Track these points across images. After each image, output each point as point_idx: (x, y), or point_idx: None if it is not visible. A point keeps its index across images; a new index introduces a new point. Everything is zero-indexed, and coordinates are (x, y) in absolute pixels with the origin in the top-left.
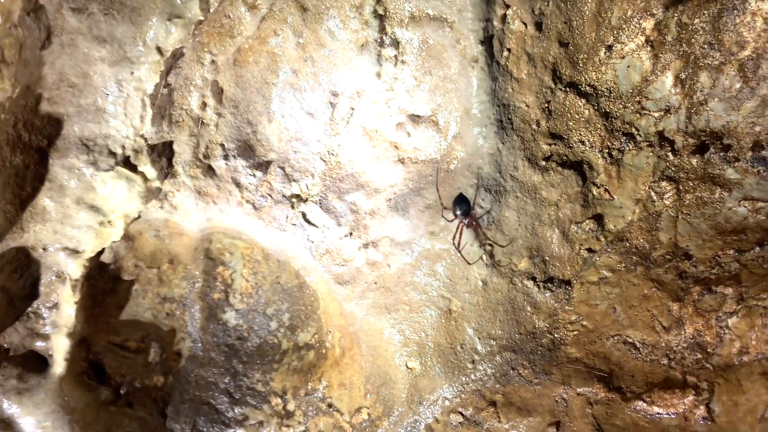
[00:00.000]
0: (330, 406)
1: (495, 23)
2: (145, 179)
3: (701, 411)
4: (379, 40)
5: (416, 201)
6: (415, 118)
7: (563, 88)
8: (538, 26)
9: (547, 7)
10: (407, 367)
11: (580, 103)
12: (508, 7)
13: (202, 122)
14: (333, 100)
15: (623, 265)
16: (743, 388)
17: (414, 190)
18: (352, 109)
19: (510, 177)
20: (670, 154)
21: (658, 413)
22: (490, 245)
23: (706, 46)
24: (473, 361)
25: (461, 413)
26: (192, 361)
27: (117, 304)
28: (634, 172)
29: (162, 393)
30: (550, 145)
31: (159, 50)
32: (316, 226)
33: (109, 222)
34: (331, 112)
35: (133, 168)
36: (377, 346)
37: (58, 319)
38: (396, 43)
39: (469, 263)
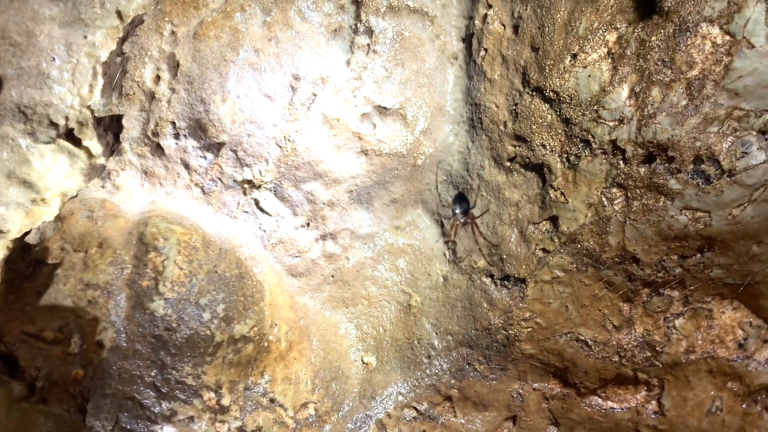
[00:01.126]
0: (272, 401)
1: (476, 22)
2: (90, 155)
3: (653, 406)
4: (353, 27)
5: (381, 194)
6: (381, 110)
7: (530, 92)
8: (515, 29)
9: (525, 11)
10: (363, 362)
11: (543, 108)
12: (490, 7)
13: (154, 97)
14: (294, 84)
15: (575, 265)
16: (691, 385)
17: (379, 183)
18: (314, 95)
19: (477, 176)
20: (621, 162)
21: (612, 408)
22: (453, 242)
23: (659, 63)
24: (429, 356)
25: (415, 408)
26: (115, 353)
27: (35, 291)
28: (588, 178)
29: (81, 387)
30: (514, 146)
31: (119, 14)
32: (270, 215)
33: (42, 200)
34: (291, 96)
35: (76, 142)
36: (330, 341)
37: None
38: (369, 32)
39: (458, 262)
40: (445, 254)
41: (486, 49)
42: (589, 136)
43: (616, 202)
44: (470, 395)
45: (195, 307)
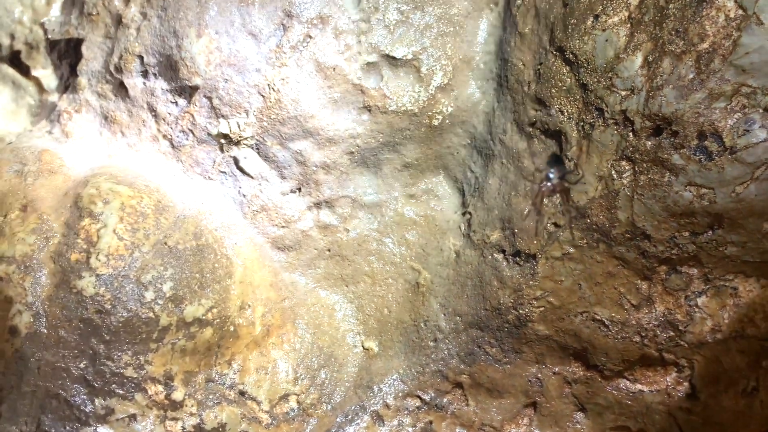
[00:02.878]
0: (242, 393)
1: None
2: (41, 89)
3: (684, 387)
4: None
5: (392, 158)
6: (390, 60)
7: (554, 52)
8: None
9: None
10: (363, 347)
11: (564, 71)
12: None
13: (121, 22)
14: (286, 22)
15: (585, 241)
16: (723, 365)
17: (387, 145)
18: (309, 37)
19: (499, 141)
20: (630, 134)
21: (641, 390)
22: (470, 214)
23: (673, 32)
24: (436, 340)
25: (419, 397)
26: (33, 342)
27: None
28: (600, 149)
29: None
30: (536, 110)
31: None
32: (252, 177)
33: None
34: (281, 37)
35: (24, 70)
36: (322, 324)
37: None
38: None
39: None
40: (460, 227)
41: None
42: (603, 105)
43: (624, 175)
44: (483, 381)
45: (135, 285)
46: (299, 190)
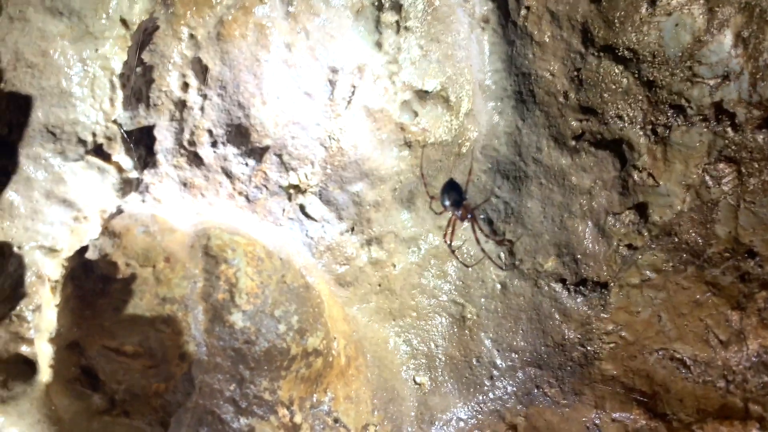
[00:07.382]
0: (336, 421)
1: None
2: (120, 169)
3: None
4: (376, 3)
5: (423, 191)
6: (422, 95)
7: (596, 53)
8: None
9: None
10: (415, 382)
11: (616, 71)
12: None
13: (185, 105)
14: (332, 77)
15: (671, 264)
16: None
17: (421, 178)
18: (354, 86)
19: (532, 160)
20: (729, 129)
21: None
22: (509, 241)
23: None
24: (491, 377)
25: None
26: (196, 367)
27: (111, 306)
28: (684, 153)
29: (162, 401)
30: (581, 121)
31: (124, 23)
32: (315, 220)
33: (84, 217)
34: (331, 91)
35: (106, 157)
36: (383, 357)
37: (40, 323)
38: (398, 7)
39: (467, 266)
40: (500, 256)
41: (528, 7)
42: (682, 101)
43: (725, 180)
44: (539, 424)
45: (271, 319)
46: (352, 229)
